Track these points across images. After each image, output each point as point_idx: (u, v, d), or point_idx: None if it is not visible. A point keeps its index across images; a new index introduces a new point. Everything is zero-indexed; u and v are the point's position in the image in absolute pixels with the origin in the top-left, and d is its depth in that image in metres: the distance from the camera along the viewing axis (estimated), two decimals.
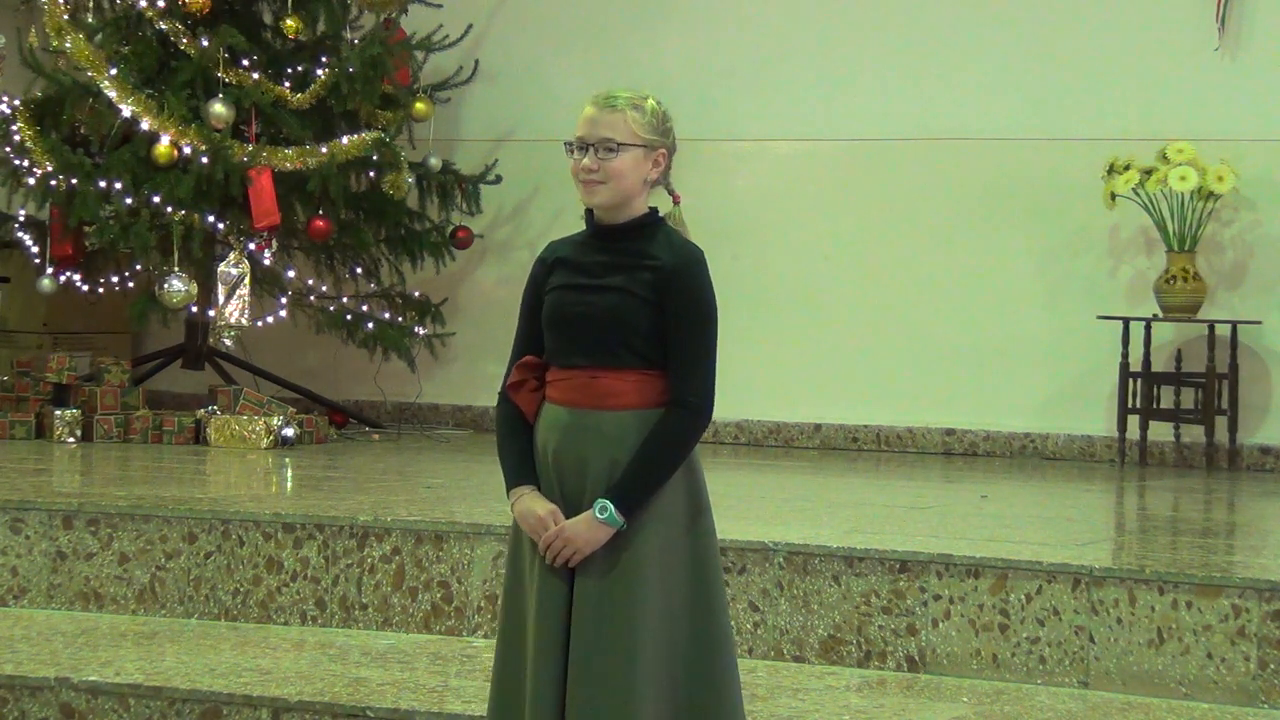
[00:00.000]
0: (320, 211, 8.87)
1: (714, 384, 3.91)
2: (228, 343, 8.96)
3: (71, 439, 8.61)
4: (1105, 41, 8.84)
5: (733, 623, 5.73)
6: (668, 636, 3.87)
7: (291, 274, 9.10)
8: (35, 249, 8.94)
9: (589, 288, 3.91)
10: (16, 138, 8.72)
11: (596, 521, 3.84)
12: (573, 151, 3.93)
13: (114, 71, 8.60)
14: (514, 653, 3.96)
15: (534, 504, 3.91)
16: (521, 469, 3.97)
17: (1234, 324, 8.48)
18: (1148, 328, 8.58)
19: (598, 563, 3.87)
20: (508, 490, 3.98)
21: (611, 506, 3.84)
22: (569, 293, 3.93)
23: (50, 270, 8.86)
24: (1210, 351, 8.39)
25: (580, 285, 3.92)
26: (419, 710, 5.09)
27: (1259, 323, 8.56)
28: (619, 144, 3.89)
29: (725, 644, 3.96)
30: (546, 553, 3.88)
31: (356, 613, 6.12)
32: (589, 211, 3.99)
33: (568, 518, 3.89)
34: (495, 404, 4.06)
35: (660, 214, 3.99)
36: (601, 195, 3.92)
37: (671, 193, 4.03)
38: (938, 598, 5.61)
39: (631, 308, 3.87)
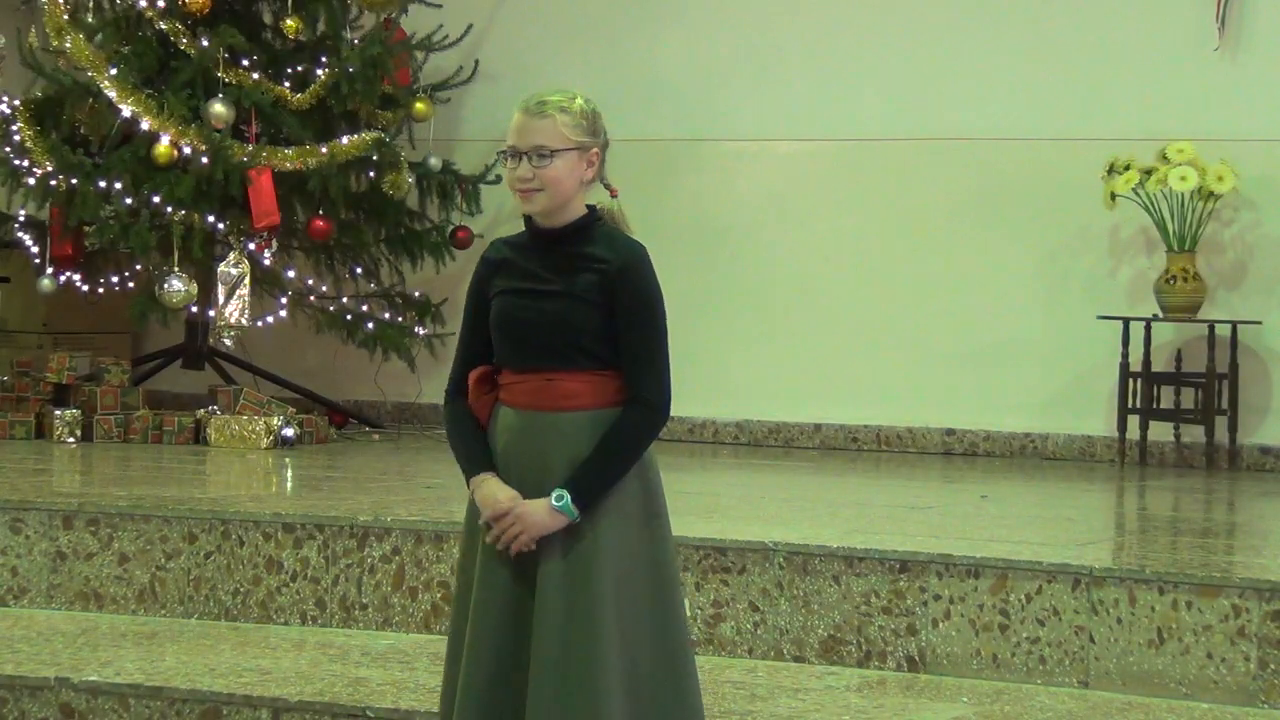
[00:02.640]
0: (320, 211, 8.87)
1: (669, 378, 3.93)
2: (228, 343, 8.97)
3: (71, 439, 8.61)
4: (1105, 41, 8.84)
5: (733, 622, 5.74)
6: (629, 628, 3.89)
7: (291, 274, 9.10)
8: (35, 249, 8.94)
9: (534, 292, 3.92)
10: (16, 138, 8.72)
11: (551, 508, 3.86)
12: (506, 160, 3.94)
13: (114, 71, 8.60)
14: (459, 643, 3.99)
15: (496, 490, 3.92)
16: (479, 458, 3.98)
17: (1234, 324, 8.48)
18: (1148, 328, 8.58)
19: (556, 563, 3.88)
20: (467, 480, 3.99)
21: (567, 496, 3.85)
22: (515, 297, 3.94)
23: (50, 270, 8.86)
24: (1210, 351, 8.39)
25: (526, 290, 3.93)
26: (419, 710, 5.09)
27: (1259, 323, 8.56)
28: (552, 150, 3.89)
29: (683, 637, 3.99)
30: (496, 529, 3.88)
31: (356, 613, 6.12)
32: (527, 215, 4.00)
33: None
34: (444, 404, 4.06)
35: (598, 209, 3.99)
36: (539, 203, 3.92)
37: (608, 187, 4.03)
38: (938, 598, 5.61)
39: (579, 310, 3.88)
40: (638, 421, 3.90)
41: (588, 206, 3.98)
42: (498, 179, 9.39)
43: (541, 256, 3.95)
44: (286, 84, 8.83)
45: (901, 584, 5.64)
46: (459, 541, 4.12)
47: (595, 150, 3.95)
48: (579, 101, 3.94)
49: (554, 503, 3.86)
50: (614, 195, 4.03)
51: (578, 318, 3.88)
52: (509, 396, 3.96)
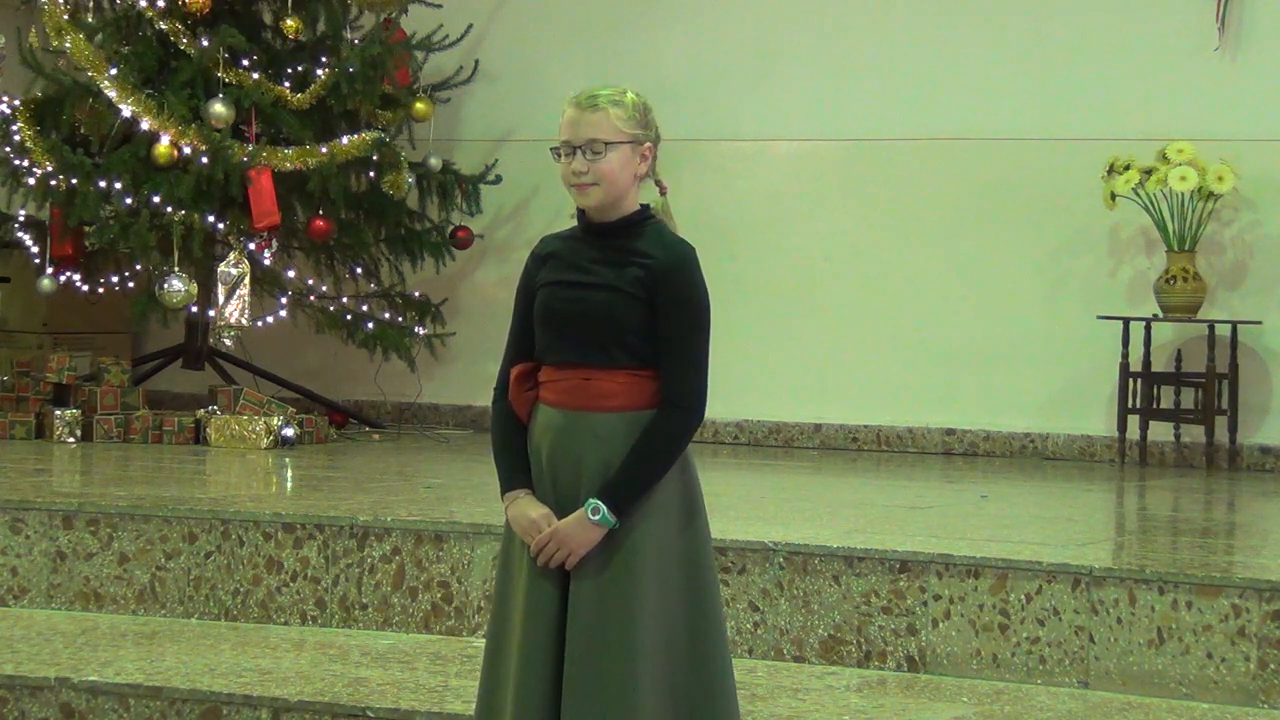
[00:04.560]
0: (320, 211, 8.87)
1: (706, 383, 3.89)
2: (228, 343, 8.97)
3: (71, 439, 8.61)
4: (1105, 41, 8.84)
5: (733, 622, 5.74)
6: (665, 634, 3.86)
7: (291, 274, 9.10)
8: (35, 249, 8.94)
9: (579, 284, 3.89)
10: (16, 138, 8.71)
11: (589, 522, 3.83)
12: (560, 156, 3.92)
13: (114, 71, 8.60)
14: (502, 655, 3.96)
15: (527, 508, 3.91)
16: (516, 473, 3.96)
17: (1234, 324, 8.48)
18: (1148, 328, 8.58)
19: (592, 563, 3.85)
20: (502, 493, 3.97)
21: (604, 507, 3.83)
22: (560, 289, 3.92)
23: (50, 270, 8.86)
24: (1210, 351, 8.39)
25: (571, 282, 3.91)
26: (419, 710, 5.09)
27: (1259, 323, 8.56)
28: (606, 143, 3.88)
29: (720, 639, 3.95)
30: (539, 555, 3.87)
31: (356, 613, 6.12)
32: (580, 208, 3.98)
33: (561, 520, 3.89)
34: (491, 403, 4.06)
35: (650, 207, 3.98)
36: (594, 197, 3.90)
37: (659, 183, 4.02)
38: (938, 598, 5.61)
39: (622, 304, 3.85)
40: (670, 425, 3.86)
41: (641, 205, 3.96)
42: (498, 179, 9.40)
43: (590, 249, 3.92)
44: (286, 84, 8.83)
45: (901, 584, 5.64)
46: (498, 550, 4.08)
47: (648, 145, 3.94)
48: (630, 95, 3.93)
49: (590, 516, 3.82)
50: (664, 192, 4.02)
51: (619, 311, 3.85)
52: (547, 394, 3.94)
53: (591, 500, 3.83)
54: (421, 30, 9.28)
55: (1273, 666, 5.26)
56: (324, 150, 8.69)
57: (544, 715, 3.85)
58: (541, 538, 3.86)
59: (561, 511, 3.89)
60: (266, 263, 8.84)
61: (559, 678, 3.86)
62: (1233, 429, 8.51)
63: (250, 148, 8.55)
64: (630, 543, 3.85)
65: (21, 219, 9.06)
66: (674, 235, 3.95)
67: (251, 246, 8.76)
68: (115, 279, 8.96)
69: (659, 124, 4.01)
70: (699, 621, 3.91)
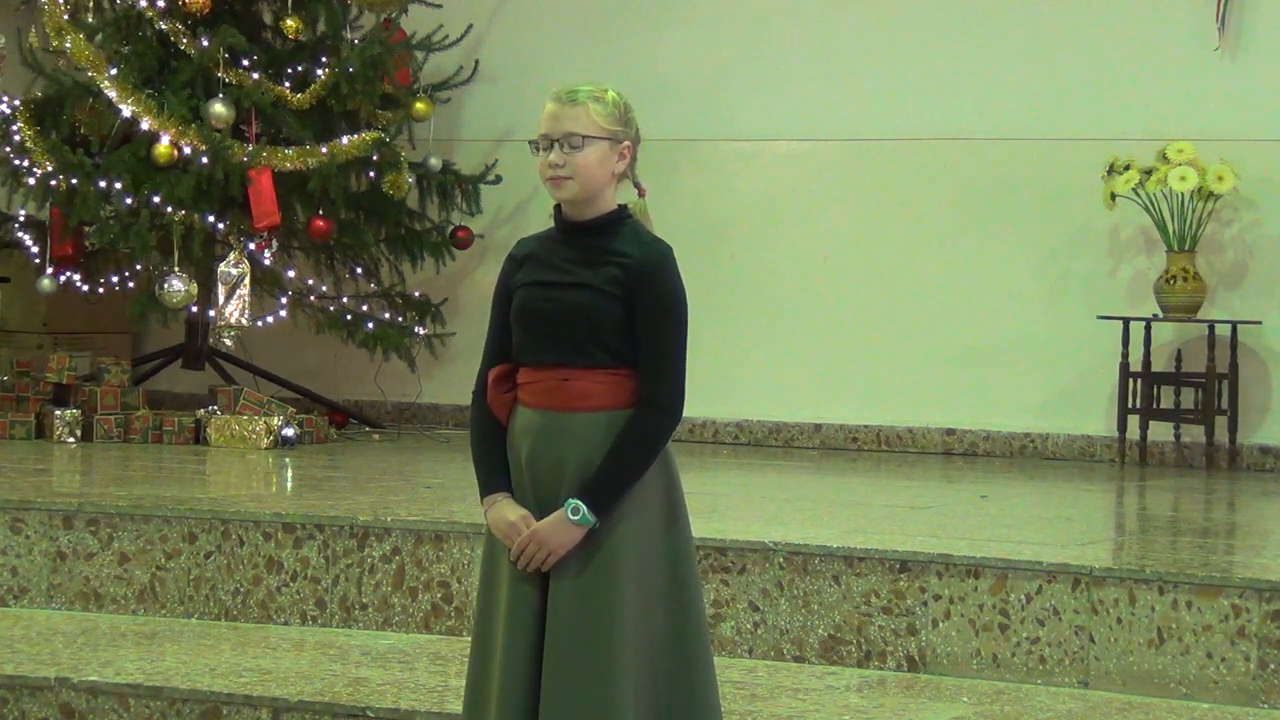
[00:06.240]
0: (320, 211, 8.87)
1: (683, 383, 3.89)
2: (228, 342, 8.97)
3: (71, 439, 8.61)
4: (1105, 41, 8.84)
5: (733, 622, 5.74)
6: (646, 634, 3.86)
7: (291, 274, 9.10)
8: (35, 249, 8.94)
9: (556, 284, 3.90)
10: (16, 138, 8.72)
11: (568, 522, 3.83)
12: (538, 150, 3.92)
13: (114, 71, 8.60)
14: (486, 659, 3.95)
15: (506, 510, 3.91)
16: (495, 476, 3.96)
17: (1234, 324, 8.48)
18: (1148, 328, 8.58)
19: (572, 563, 3.85)
20: (481, 497, 3.97)
21: (583, 507, 3.82)
22: (537, 289, 3.92)
23: (50, 270, 8.86)
24: (1210, 351, 8.39)
25: (548, 282, 3.91)
26: (419, 710, 5.10)
27: (1259, 323, 8.56)
28: (584, 137, 3.88)
29: (702, 640, 3.95)
30: (520, 558, 3.87)
31: (356, 613, 6.12)
32: (557, 208, 3.98)
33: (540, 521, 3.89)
34: (470, 406, 4.06)
35: (629, 207, 3.97)
36: (570, 190, 3.90)
37: (637, 185, 4.01)
38: (938, 598, 5.61)
39: (599, 303, 3.85)
40: (647, 425, 3.86)
41: (619, 205, 3.96)
42: (498, 179, 9.40)
43: (566, 249, 3.93)
44: (286, 84, 8.83)
45: (901, 584, 5.64)
46: (481, 553, 4.08)
47: (627, 144, 3.93)
48: (611, 93, 3.93)
49: (570, 516, 3.82)
50: (642, 194, 4.01)
51: (597, 310, 3.84)
52: (525, 396, 3.94)
53: (571, 500, 3.83)
54: (421, 30, 9.28)
55: (1273, 666, 5.27)
56: (324, 150, 8.69)
57: (525, 717, 3.84)
58: (521, 540, 3.86)
59: (542, 513, 3.88)
60: (266, 263, 8.84)
61: (540, 680, 3.85)
62: (1233, 429, 8.51)
63: (250, 148, 8.55)
64: (611, 542, 3.84)
65: (21, 219, 9.06)
66: (651, 235, 3.94)
67: (251, 246, 8.76)
68: (115, 279, 8.96)
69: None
70: (681, 621, 3.90)
